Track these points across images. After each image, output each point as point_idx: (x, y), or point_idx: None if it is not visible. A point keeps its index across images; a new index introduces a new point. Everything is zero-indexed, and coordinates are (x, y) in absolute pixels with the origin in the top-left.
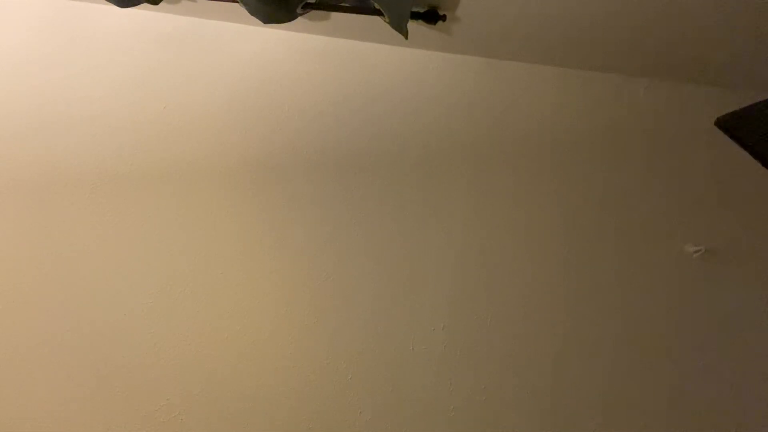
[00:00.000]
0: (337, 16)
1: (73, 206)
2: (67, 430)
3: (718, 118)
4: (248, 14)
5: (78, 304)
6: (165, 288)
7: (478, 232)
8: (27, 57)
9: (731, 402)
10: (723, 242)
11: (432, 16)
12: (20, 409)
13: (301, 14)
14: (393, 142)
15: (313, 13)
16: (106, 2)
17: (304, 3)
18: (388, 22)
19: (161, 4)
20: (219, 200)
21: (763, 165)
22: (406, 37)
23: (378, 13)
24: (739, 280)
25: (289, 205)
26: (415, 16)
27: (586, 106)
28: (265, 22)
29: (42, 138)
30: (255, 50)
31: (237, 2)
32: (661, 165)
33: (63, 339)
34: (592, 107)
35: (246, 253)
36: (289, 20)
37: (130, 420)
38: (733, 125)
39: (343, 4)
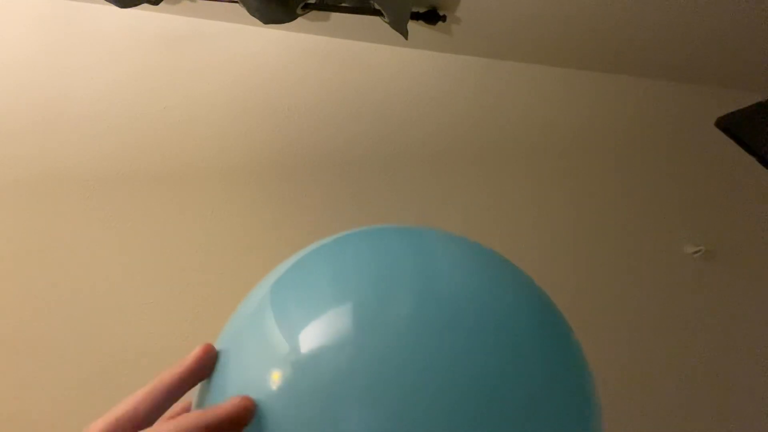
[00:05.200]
0: (337, 16)
1: (72, 206)
2: (65, 431)
3: (718, 118)
4: (248, 14)
5: (76, 304)
6: (164, 288)
7: (479, 232)
8: (26, 57)
9: (731, 402)
10: (723, 242)
11: (432, 16)
12: (17, 410)
13: (301, 14)
14: (393, 142)
15: (313, 13)
16: (106, 2)
17: (304, 3)
18: (388, 22)
19: (161, 4)
20: (219, 200)
21: (763, 165)
22: (406, 37)
23: (378, 13)
24: (739, 280)
25: (290, 204)
26: (415, 16)
27: (586, 106)
28: (265, 22)
29: (41, 137)
30: (255, 50)
31: (237, 2)
32: (661, 165)
33: (61, 339)
34: (592, 107)
35: (246, 253)
36: (289, 20)
37: None
38: (733, 125)
39: (343, 4)
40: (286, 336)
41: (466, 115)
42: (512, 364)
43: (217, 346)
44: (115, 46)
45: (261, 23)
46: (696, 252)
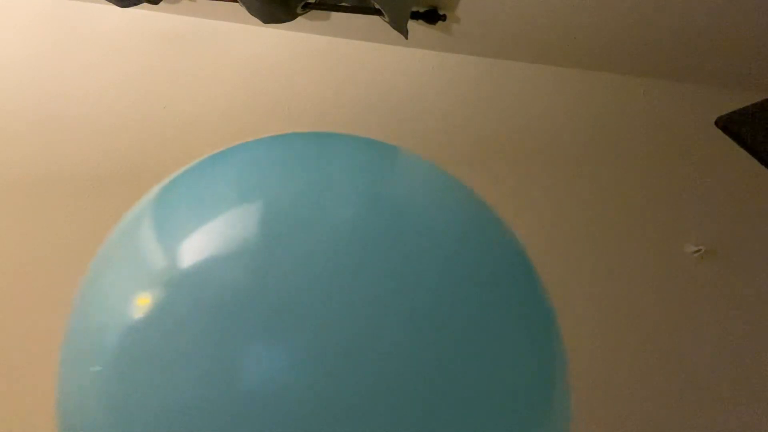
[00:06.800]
0: (337, 16)
1: (72, 206)
2: None
3: (718, 118)
4: (248, 14)
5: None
6: None
7: None
8: (25, 56)
9: (731, 401)
10: (723, 242)
11: (432, 16)
12: (19, 410)
13: (301, 14)
14: (392, 141)
15: (313, 13)
16: (106, 2)
17: (304, 3)
18: (388, 22)
19: (161, 4)
20: None
21: (763, 165)
22: (406, 37)
23: (378, 13)
24: (739, 280)
25: None
26: (415, 16)
27: (586, 106)
28: (265, 22)
29: (40, 137)
30: (255, 50)
31: (237, 2)
32: (661, 165)
33: (61, 340)
34: (592, 107)
35: None
36: (289, 20)
37: None
38: (733, 125)
39: (343, 4)
40: (165, 248)
41: (465, 114)
42: (464, 290)
43: (89, 270)
44: (115, 46)
45: (261, 23)
46: (696, 252)
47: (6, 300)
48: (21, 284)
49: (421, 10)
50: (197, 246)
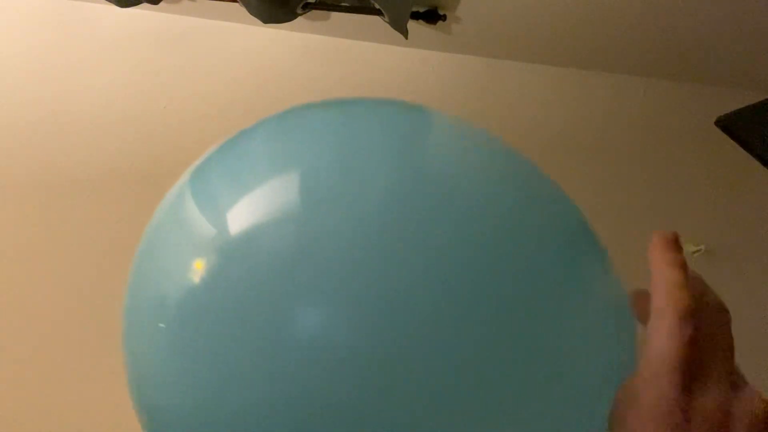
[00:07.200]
0: (337, 16)
1: (72, 206)
2: (71, 430)
3: (718, 118)
4: (248, 14)
5: (78, 305)
6: None
7: None
8: (25, 56)
9: None
10: (723, 242)
11: (432, 16)
12: (23, 409)
13: (301, 14)
14: None
15: (313, 12)
16: (106, 2)
17: (304, 3)
18: (387, 22)
19: (161, 4)
20: None
21: (763, 165)
22: (406, 37)
23: (378, 12)
24: (739, 280)
25: None
26: (415, 15)
27: (586, 106)
28: (265, 22)
29: (40, 138)
30: (255, 50)
31: (237, 1)
32: (661, 165)
33: (63, 340)
34: (591, 107)
35: None
36: (289, 20)
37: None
38: (733, 125)
39: (343, 4)
40: (212, 217)
41: (465, 114)
42: (507, 258)
43: (139, 248)
44: (115, 46)
45: (261, 22)
46: (696, 252)
47: (8, 300)
48: (21, 284)
49: (421, 10)
50: (241, 216)
